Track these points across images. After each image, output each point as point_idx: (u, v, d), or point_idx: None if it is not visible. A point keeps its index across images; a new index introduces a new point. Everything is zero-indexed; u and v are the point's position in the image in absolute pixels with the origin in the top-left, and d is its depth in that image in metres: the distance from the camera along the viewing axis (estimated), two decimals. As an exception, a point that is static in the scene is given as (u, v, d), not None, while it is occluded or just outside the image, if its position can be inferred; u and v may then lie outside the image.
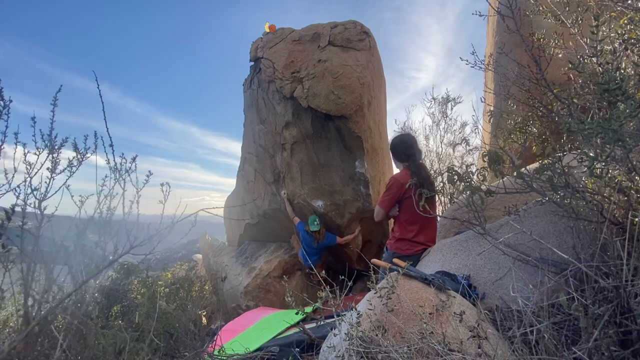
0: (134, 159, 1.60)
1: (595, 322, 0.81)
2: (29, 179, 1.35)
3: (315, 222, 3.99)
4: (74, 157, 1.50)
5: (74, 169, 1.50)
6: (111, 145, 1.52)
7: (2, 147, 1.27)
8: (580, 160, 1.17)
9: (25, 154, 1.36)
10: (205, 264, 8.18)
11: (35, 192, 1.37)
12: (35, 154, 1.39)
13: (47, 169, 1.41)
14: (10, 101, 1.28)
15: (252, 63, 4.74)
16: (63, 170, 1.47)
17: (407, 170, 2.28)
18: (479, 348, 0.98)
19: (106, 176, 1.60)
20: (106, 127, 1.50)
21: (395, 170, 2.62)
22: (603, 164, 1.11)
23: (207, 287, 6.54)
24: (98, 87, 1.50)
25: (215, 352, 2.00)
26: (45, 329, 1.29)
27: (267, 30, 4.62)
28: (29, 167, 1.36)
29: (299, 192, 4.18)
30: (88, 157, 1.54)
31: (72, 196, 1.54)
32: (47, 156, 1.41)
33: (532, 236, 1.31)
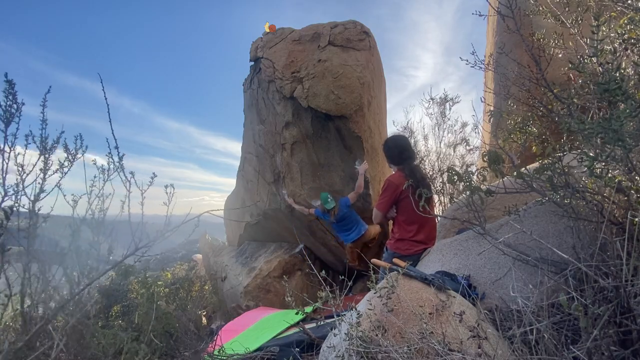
0: (121, 158, 1.58)
1: (595, 322, 0.81)
2: (20, 180, 1.34)
3: (329, 199, 3.67)
4: (65, 159, 1.50)
5: (65, 169, 1.50)
6: (117, 147, 1.52)
7: (12, 149, 1.27)
8: (580, 160, 1.17)
9: (15, 156, 1.35)
10: (205, 264, 8.18)
11: (27, 193, 1.36)
12: (40, 155, 1.39)
13: (40, 169, 1.40)
14: (23, 104, 1.27)
15: (252, 63, 4.75)
16: (55, 171, 1.46)
17: (401, 172, 2.28)
18: (479, 348, 0.98)
19: (95, 177, 1.59)
20: (111, 129, 1.50)
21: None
22: (603, 164, 1.11)
23: (207, 287, 6.54)
24: (104, 93, 1.49)
25: (215, 352, 2.00)
26: (44, 329, 1.29)
27: (267, 30, 4.62)
28: (20, 169, 1.35)
29: (299, 192, 4.18)
30: (79, 158, 1.54)
31: (65, 196, 1.53)
32: (39, 157, 1.40)
33: (532, 236, 1.31)
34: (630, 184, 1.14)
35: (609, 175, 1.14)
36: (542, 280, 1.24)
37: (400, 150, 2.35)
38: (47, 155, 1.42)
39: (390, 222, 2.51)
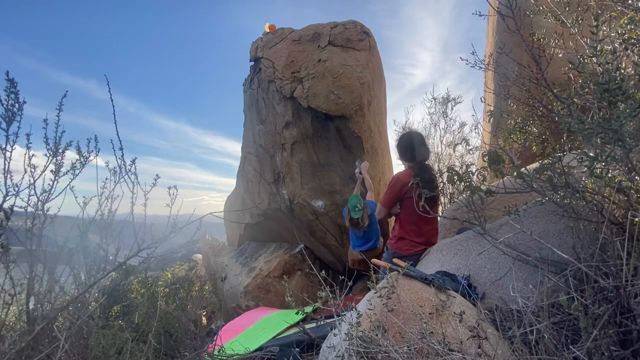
0: (133, 161, 1.60)
1: (595, 322, 0.81)
2: (32, 180, 1.35)
3: (357, 207, 2.79)
4: (77, 160, 1.51)
5: (77, 171, 1.51)
6: (121, 149, 1.52)
7: (13, 149, 1.27)
8: (580, 160, 1.17)
9: (30, 157, 1.35)
10: (205, 264, 8.18)
11: (39, 195, 1.37)
12: (45, 155, 1.40)
13: (51, 171, 1.41)
14: (25, 102, 1.27)
15: (252, 63, 4.74)
16: (66, 173, 1.47)
17: (411, 170, 2.28)
18: (479, 348, 0.98)
19: (107, 179, 1.61)
20: (117, 132, 1.50)
21: (396, 169, 2.62)
22: (603, 164, 1.11)
23: (207, 287, 6.55)
24: (111, 97, 1.49)
25: (215, 352, 2.00)
26: (47, 329, 1.29)
27: (267, 30, 4.62)
28: (32, 170, 1.36)
29: (299, 192, 4.18)
30: (91, 160, 1.55)
31: (76, 197, 1.54)
32: (51, 159, 1.42)
33: (532, 236, 1.31)
34: (630, 184, 1.14)
35: (609, 175, 1.14)
36: (542, 280, 1.24)
37: (411, 147, 2.33)
38: (59, 157, 1.43)
39: (391, 221, 2.51)
